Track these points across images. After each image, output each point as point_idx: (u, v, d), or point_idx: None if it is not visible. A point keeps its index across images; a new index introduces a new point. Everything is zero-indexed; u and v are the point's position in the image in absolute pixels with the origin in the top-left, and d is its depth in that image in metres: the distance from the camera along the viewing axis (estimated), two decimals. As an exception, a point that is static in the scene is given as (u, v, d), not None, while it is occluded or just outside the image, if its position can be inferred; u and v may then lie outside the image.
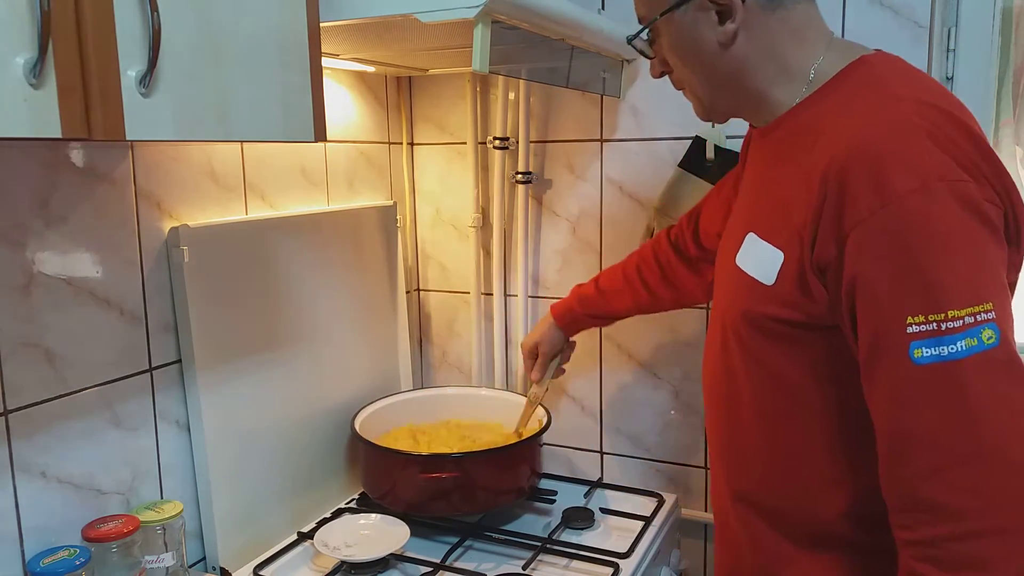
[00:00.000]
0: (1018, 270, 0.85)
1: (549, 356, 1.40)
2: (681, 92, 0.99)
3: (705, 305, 1.50)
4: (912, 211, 0.75)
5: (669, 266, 1.29)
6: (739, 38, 0.88)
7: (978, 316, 0.73)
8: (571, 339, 1.42)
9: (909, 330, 0.74)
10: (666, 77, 0.99)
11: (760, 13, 0.87)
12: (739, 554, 1.01)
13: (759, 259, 0.89)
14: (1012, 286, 0.84)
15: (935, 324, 0.73)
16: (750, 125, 1.02)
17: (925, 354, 0.73)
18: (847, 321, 0.80)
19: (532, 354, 1.41)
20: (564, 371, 1.45)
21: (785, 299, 0.85)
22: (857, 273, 0.77)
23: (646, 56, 0.99)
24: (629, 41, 0.97)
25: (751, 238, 0.91)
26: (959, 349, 0.73)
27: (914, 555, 0.76)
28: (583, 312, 1.36)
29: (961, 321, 0.73)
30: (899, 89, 0.83)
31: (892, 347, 0.75)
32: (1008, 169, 0.80)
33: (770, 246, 0.87)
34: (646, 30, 0.95)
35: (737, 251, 0.93)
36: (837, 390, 0.87)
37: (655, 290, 1.30)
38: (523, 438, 1.42)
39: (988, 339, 0.73)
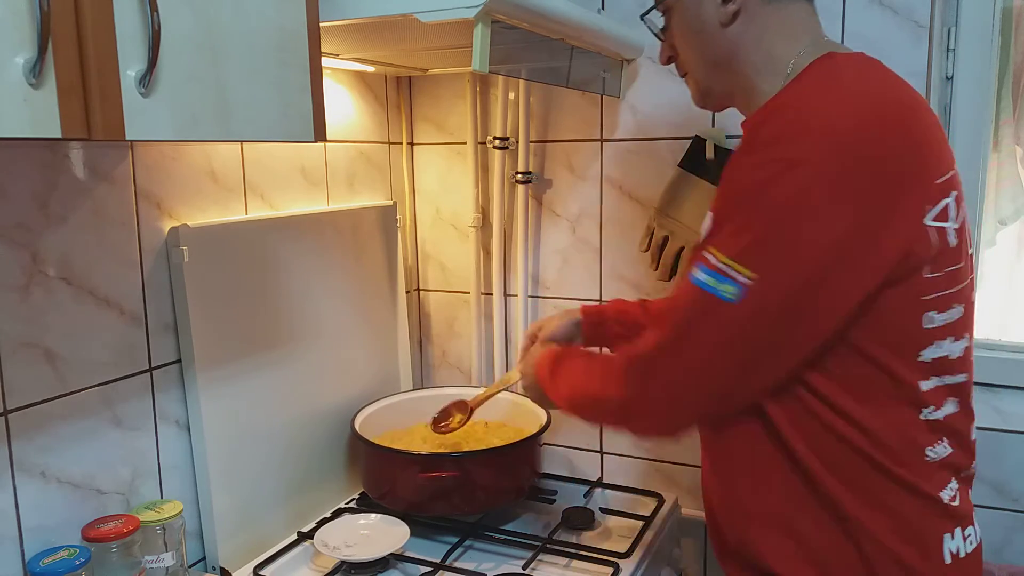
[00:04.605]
0: (953, 285, 0.87)
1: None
2: (681, 88, 1.04)
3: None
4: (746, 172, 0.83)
5: None
6: (737, 20, 0.94)
7: (736, 275, 0.82)
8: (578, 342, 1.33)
9: (706, 255, 0.85)
10: (665, 70, 1.05)
11: (759, 1, 0.93)
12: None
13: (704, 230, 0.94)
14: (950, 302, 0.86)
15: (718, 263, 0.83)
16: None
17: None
18: None
19: (531, 339, 1.32)
20: None
21: None
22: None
23: (659, 39, 1.05)
24: (642, 17, 1.03)
25: (707, 216, 0.94)
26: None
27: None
28: (616, 320, 1.30)
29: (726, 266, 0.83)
30: (849, 81, 0.86)
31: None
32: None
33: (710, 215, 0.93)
34: (659, 8, 1.01)
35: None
36: None
37: None
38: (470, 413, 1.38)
39: (728, 293, 0.82)
